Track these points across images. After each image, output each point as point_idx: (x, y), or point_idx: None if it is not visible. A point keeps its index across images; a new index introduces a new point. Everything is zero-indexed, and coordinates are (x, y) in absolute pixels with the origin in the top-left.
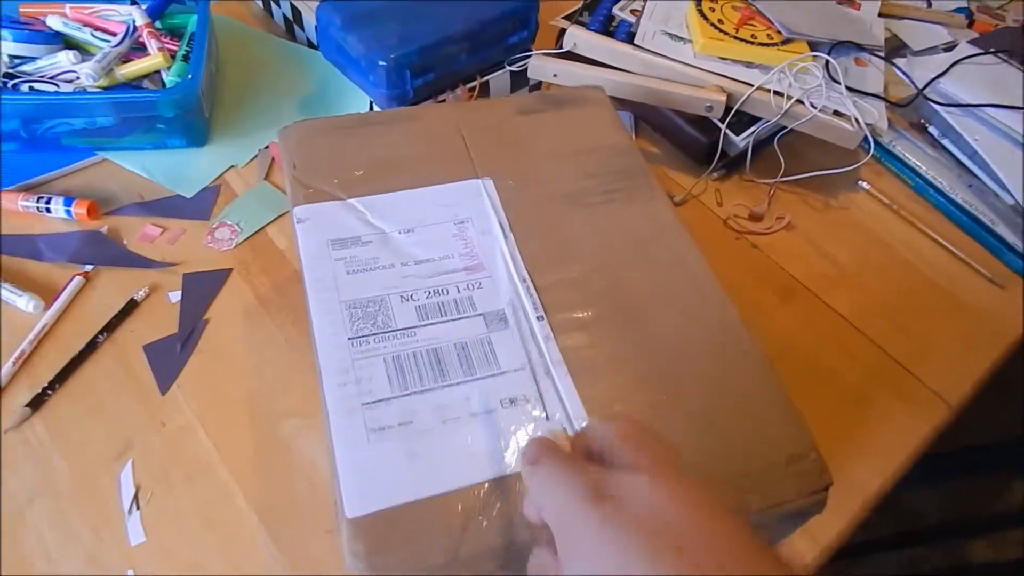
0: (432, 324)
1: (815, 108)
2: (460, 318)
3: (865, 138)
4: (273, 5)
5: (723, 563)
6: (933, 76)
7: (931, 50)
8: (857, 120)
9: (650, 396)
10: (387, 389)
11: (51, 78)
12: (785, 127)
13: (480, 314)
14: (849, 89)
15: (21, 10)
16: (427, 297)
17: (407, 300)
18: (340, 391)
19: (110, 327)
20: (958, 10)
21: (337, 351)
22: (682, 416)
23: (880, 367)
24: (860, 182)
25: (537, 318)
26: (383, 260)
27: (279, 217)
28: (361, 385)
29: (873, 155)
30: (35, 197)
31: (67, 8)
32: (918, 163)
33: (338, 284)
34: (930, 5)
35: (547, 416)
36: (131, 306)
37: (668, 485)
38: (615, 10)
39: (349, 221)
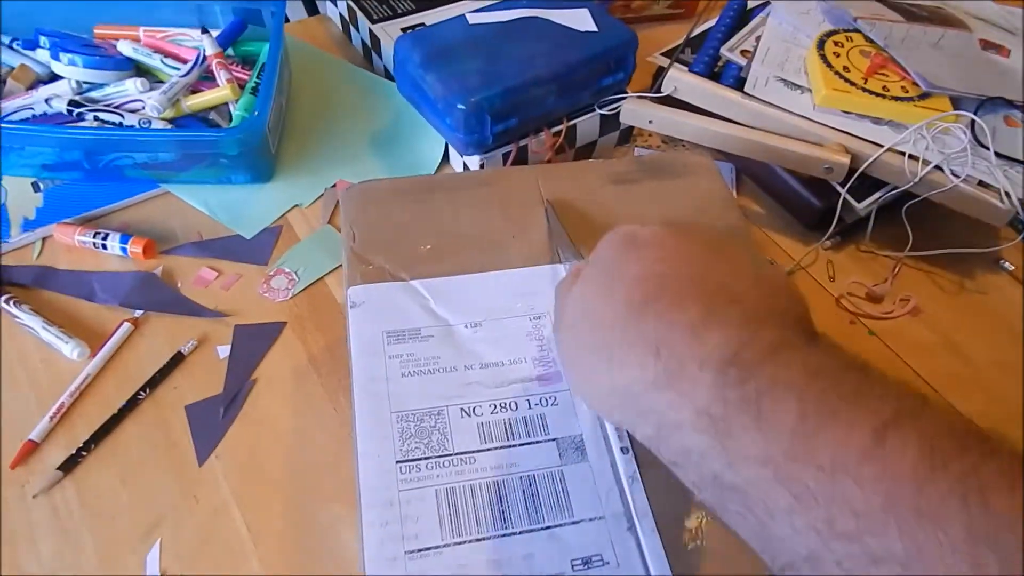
0: (496, 448)
1: (957, 177)
2: (529, 442)
3: (1017, 214)
4: (352, 29)
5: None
6: None
7: None
8: (1008, 194)
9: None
10: (436, 533)
11: (117, 107)
12: (917, 195)
13: (553, 439)
14: (998, 155)
15: (95, 32)
16: (492, 412)
17: (468, 415)
18: (381, 532)
19: (153, 382)
20: None
21: (382, 477)
22: None
23: None
24: (1002, 261)
25: (621, 450)
26: (444, 361)
27: (340, 267)
28: (406, 526)
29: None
30: (92, 232)
31: (141, 31)
32: None
33: (391, 388)
34: None
35: None
36: (177, 359)
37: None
38: (723, 50)
39: (410, 308)
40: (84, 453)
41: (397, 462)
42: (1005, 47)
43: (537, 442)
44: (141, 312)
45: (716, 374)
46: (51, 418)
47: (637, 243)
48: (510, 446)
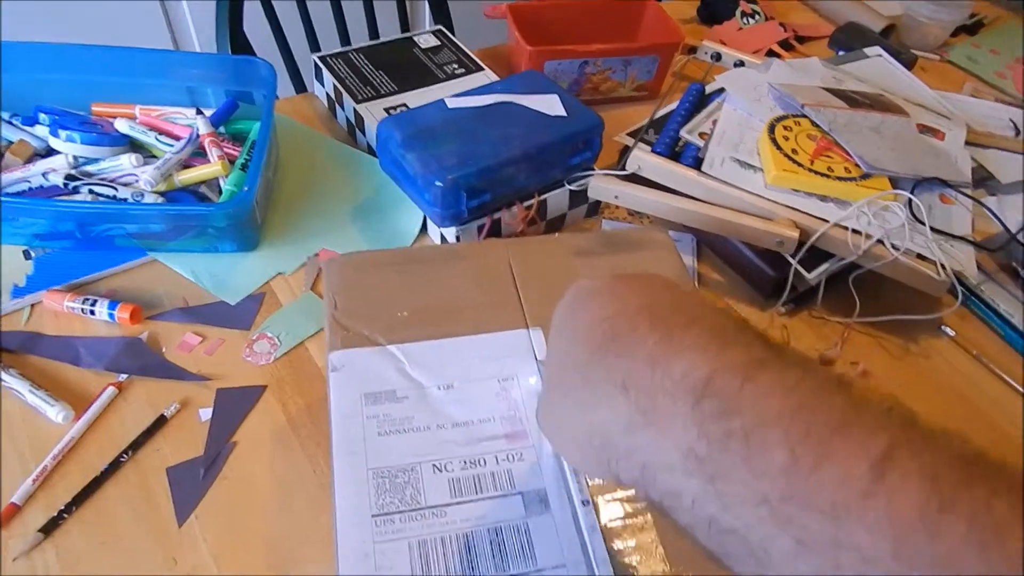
0: (465, 502)
1: (897, 251)
2: (496, 496)
3: (953, 285)
4: (338, 107)
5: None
6: None
7: (1021, 184)
8: (943, 267)
9: None
10: None
11: (111, 181)
12: (861, 266)
13: (519, 492)
14: (934, 230)
15: (93, 109)
16: (462, 468)
17: (440, 471)
18: None
19: (135, 445)
20: None
21: (358, 530)
22: None
23: None
24: (944, 327)
25: (582, 502)
26: (418, 420)
27: (320, 331)
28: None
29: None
30: (81, 299)
31: (136, 109)
32: (1009, 311)
33: (367, 447)
34: (1019, 134)
35: None
36: (160, 422)
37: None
38: (683, 132)
39: (386, 371)
40: (65, 516)
41: (372, 516)
42: (941, 131)
43: (504, 496)
44: (126, 376)
45: (692, 407)
46: (33, 481)
47: (589, 293)
48: (479, 499)
